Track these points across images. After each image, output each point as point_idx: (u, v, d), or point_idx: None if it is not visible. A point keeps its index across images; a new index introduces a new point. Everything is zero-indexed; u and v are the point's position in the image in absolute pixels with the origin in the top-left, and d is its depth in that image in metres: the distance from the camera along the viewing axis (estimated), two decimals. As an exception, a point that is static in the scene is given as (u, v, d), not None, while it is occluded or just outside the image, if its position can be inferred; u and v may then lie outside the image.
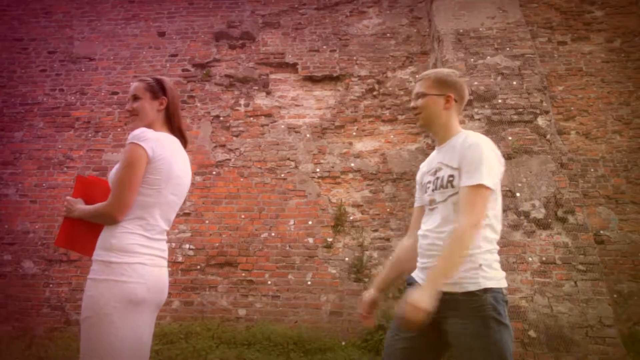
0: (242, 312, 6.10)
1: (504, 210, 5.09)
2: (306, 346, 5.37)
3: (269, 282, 6.19)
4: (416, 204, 2.51)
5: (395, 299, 5.56)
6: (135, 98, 2.44)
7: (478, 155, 2.16)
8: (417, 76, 2.53)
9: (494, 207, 2.22)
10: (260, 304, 6.12)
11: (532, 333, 4.37)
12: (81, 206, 2.31)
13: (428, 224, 2.33)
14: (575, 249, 4.83)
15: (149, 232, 2.23)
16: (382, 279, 2.55)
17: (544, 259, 4.79)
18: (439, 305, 2.09)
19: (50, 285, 6.38)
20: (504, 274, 2.20)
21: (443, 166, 2.30)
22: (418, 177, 2.55)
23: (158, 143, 2.25)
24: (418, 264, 2.37)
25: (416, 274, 2.35)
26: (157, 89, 2.45)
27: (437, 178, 2.32)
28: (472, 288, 2.08)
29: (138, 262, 2.14)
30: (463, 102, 2.44)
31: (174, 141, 2.39)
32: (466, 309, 2.07)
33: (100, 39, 7.78)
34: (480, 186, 2.12)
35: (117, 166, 2.26)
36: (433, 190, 2.33)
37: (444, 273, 2.04)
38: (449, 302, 2.11)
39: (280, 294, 6.13)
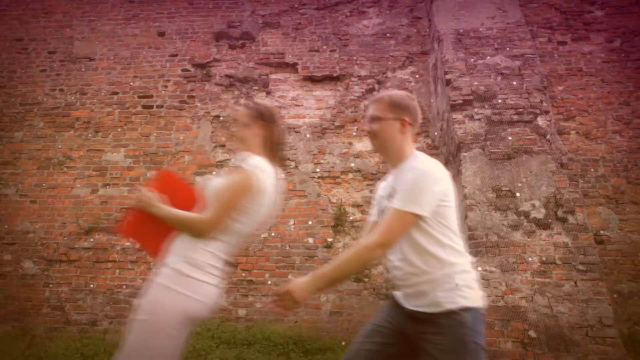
0: (242, 312, 6.10)
1: (504, 210, 5.11)
2: (306, 346, 5.37)
3: (269, 282, 6.19)
4: (371, 219, 2.48)
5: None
6: (235, 120, 2.46)
7: (417, 181, 2.15)
8: (370, 99, 2.51)
9: (449, 226, 2.20)
10: (260, 304, 6.12)
11: (532, 333, 4.37)
12: (165, 205, 2.28)
13: (396, 253, 2.28)
14: (575, 249, 4.83)
15: (225, 255, 2.27)
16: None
17: (544, 259, 4.79)
18: (417, 322, 2.15)
19: (50, 285, 6.38)
20: (481, 293, 2.20)
21: (395, 192, 2.26)
22: (376, 196, 2.51)
23: (269, 176, 2.27)
24: (396, 293, 2.35)
25: (398, 295, 2.33)
26: (267, 117, 2.44)
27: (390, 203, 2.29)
28: (450, 307, 2.07)
29: (210, 282, 2.18)
30: (416, 125, 2.39)
31: (273, 171, 2.37)
32: (444, 326, 2.07)
33: (100, 39, 7.78)
34: (406, 213, 2.11)
35: (223, 183, 2.25)
36: (382, 214, 2.32)
37: (329, 278, 2.13)
38: (428, 321, 2.13)
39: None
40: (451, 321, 2.06)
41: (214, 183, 2.30)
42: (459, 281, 2.11)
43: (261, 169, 2.22)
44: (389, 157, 2.40)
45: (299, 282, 2.10)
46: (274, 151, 2.44)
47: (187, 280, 2.10)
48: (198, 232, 2.17)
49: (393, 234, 2.11)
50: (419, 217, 2.12)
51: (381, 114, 2.33)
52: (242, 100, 2.36)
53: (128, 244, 6.41)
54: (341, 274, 2.16)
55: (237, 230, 2.24)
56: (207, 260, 2.17)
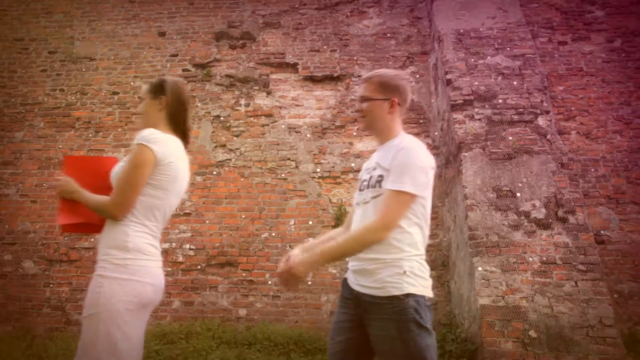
0: (242, 312, 6.10)
1: (505, 210, 5.10)
2: (307, 346, 5.37)
3: (270, 282, 6.19)
4: (353, 202, 2.49)
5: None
6: (141, 100, 2.47)
7: (407, 161, 2.17)
8: (362, 77, 2.52)
9: (423, 214, 2.22)
10: (260, 304, 6.12)
11: (532, 333, 4.37)
12: (81, 190, 2.28)
13: (356, 223, 2.33)
14: (575, 249, 4.83)
15: (155, 232, 2.26)
16: (312, 244, 2.51)
17: (544, 259, 4.79)
18: (365, 308, 2.16)
19: (51, 285, 6.38)
20: (430, 282, 2.20)
21: (377, 166, 2.30)
22: (359, 175, 2.53)
23: (166, 146, 2.25)
24: (348, 265, 2.36)
25: (348, 275, 2.35)
26: (158, 89, 2.44)
27: (370, 177, 2.32)
28: (395, 292, 2.08)
29: (149, 263, 2.18)
30: (406, 105, 2.42)
31: (178, 143, 2.39)
32: (388, 312, 2.08)
33: (100, 39, 7.78)
34: (403, 192, 2.13)
35: (122, 164, 2.26)
36: (364, 189, 2.34)
37: (331, 256, 2.14)
38: (372, 305, 2.14)
39: (280, 294, 6.13)
40: (395, 307, 2.06)
41: (118, 165, 2.30)
42: (407, 268, 2.11)
43: (153, 140, 2.20)
44: (377, 135, 2.42)
45: (300, 258, 2.12)
46: (177, 122, 2.44)
47: (123, 265, 2.09)
48: (109, 215, 2.18)
49: (394, 215, 2.12)
50: (414, 196, 2.14)
51: (370, 94, 2.35)
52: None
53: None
54: (342, 254, 2.18)
55: (156, 205, 2.24)
56: (144, 242, 2.18)
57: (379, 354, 2.17)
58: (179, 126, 2.45)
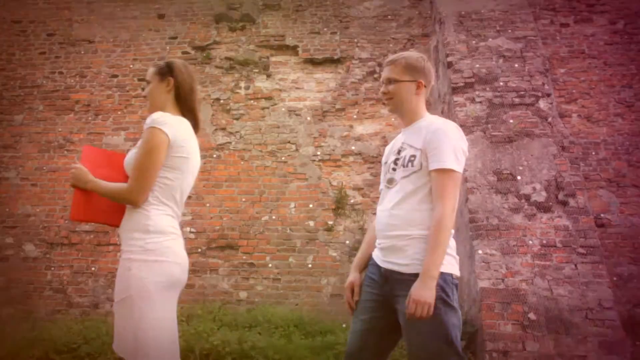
0: (243, 294, 6.13)
1: (505, 193, 5.10)
2: (307, 328, 5.39)
3: (270, 265, 6.22)
4: (381, 186, 2.49)
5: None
6: (148, 83, 2.45)
7: (444, 140, 2.19)
8: (385, 60, 2.51)
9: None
10: (261, 286, 6.15)
11: (532, 315, 4.39)
12: (96, 180, 2.27)
13: (385, 203, 2.35)
14: (575, 232, 4.83)
15: (175, 213, 2.28)
16: (360, 259, 2.54)
17: (544, 242, 4.79)
18: (392, 285, 2.17)
19: (52, 268, 6.41)
20: (457, 259, 2.22)
21: (407, 146, 2.32)
22: (383, 159, 2.55)
23: (178, 127, 2.26)
24: (376, 244, 2.38)
25: (375, 254, 2.37)
26: (165, 71, 2.42)
27: (400, 157, 2.33)
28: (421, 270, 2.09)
29: (173, 243, 2.20)
30: (430, 86, 2.45)
31: (187, 124, 2.38)
32: None
33: (99, 21, 7.72)
34: (450, 170, 2.15)
35: (135, 150, 2.26)
36: (394, 170, 2.35)
37: (434, 261, 2.06)
38: (400, 282, 2.15)
39: (281, 276, 6.16)
40: None
41: (132, 152, 2.30)
42: None
43: (164, 122, 2.20)
44: (403, 117, 2.44)
45: (417, 289, 2.02)
46: (185, 104, 2.43)
47: (155, 248, 2.11)
48: (128, 201, 2.19)
49: (454, 193, 2.16)
50: (459, 173, 2.17)
51: (397, 76, 2.37)
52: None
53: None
54: (442, 253, 2.10)
55: (174, 187, 2.24)
56: (166, 223, 2.19)
57: (404, 330, 2.18)
58: (188, 108, 2.44)
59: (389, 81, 2.39)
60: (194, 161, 2.36)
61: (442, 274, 2.08)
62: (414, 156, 2.25)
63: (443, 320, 2.06)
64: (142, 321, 2.05)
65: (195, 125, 2.46)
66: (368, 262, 2.46)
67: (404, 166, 2.29)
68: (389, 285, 2.22)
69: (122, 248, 2.17)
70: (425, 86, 2.40)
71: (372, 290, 2.33)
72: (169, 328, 2.15)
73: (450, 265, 2.16)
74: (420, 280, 2.03)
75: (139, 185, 2.16)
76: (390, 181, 2.35)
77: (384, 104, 2.47)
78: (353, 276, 2.48)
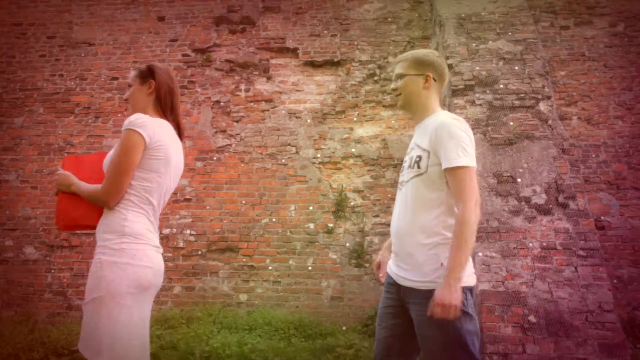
0: (243, 297, 6.13)
1: (505, 196, 5.10)
2: (307, 331, 5.40)
3: (270, 268, 6.21)
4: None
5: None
6: (129, 86, 2.46)
7: (450, 135, 2.15)
8: (396, 58, 2.51)
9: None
10: (261, 289, 6.15)
11: (532, 318, 4.39)
12: (79, 182, 2.29)
13: (396, 205, 2.36)
14: (575, 234, 4.83)
15: (152, 216, 2.26)
16: (389, 244, 2.53)
17: (544, 244, 4.79)
18: (405, 292, 2.17)
19: (52, 271, 6.41)
20: (471, 270, 2.16)
21: (415, 146, 2.31)
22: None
23: (155, 129, 2.24)
24: (392, 249, 2.38)
25: (390, 262, 2.37)
26: (146, 74, 2.43)
27: (410, 158, 2.32)
28: (433, 287, 2.05)
29: (148, 246, 2.18)
30: (443, 81, 2.42)
31: (168, 127, 2.37)
32: (428, 296, 2.04)
33: (99, 24, 7.72)
34: (464, 167, 2.11)
35: (112, 151, 2.26)
36: (404, 170, 2.35)
37: (460, 262, 2.01)
38: (412, 290, 2.15)
39: (281, 279, 6.16)
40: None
41: (109, 154, 2.30)
42: (444, 259, 2.09)
43: (140, 124, 2.19)
44: (414, 113, 2.43)
45: (442, 292, 1.97)
46: (166, 106, 2.42)
47: (129, 250, 2.11)
48: (102, 202, 2.19)
49: (473, 188, 2.10)
50: (473, 168, 2.13)
51: (404, 71, 2.37)
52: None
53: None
54: (467, 254, 2.05)
55: (150, 189, 2.23)
56: (141, 226, 2.18)
57: (420, 338, 2.16)
58: (170, 111, 2.44)
59: (398, 77, 2.39)
60: (175, 164, 2.35)
61: None
62: (419, 157, 2.23)
63: (458, 327, 2.02)
64: (110, 323, 2.03)
65: (178, 128, 2.45)
66: None
67: (410, 167, 2.28)
68: (403, 292, 2.22)
69: (96, 249, 2.16)
70: (435, 80, 2.37)
71: (390, 297, 2.33)
72: (139, 332, 2.13)
73: (467, 276, 2.10)
74: (445, 283, 1.98)
75: (111, 187, 2.16)
76: (401, 183, 2.36)
77: (394, 101, 2.48)
78: (381, 255, 2.56)
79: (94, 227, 2.26)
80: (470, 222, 2.04)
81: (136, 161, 2.18)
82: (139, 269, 2.11)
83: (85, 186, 2.26)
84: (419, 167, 2.22)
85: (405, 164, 2.36)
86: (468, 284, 2.09)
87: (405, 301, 2.20)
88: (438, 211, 2.16)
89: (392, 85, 2.43)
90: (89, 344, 2.05)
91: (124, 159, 2.16)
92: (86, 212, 2.29)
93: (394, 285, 2.30)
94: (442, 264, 2.09)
